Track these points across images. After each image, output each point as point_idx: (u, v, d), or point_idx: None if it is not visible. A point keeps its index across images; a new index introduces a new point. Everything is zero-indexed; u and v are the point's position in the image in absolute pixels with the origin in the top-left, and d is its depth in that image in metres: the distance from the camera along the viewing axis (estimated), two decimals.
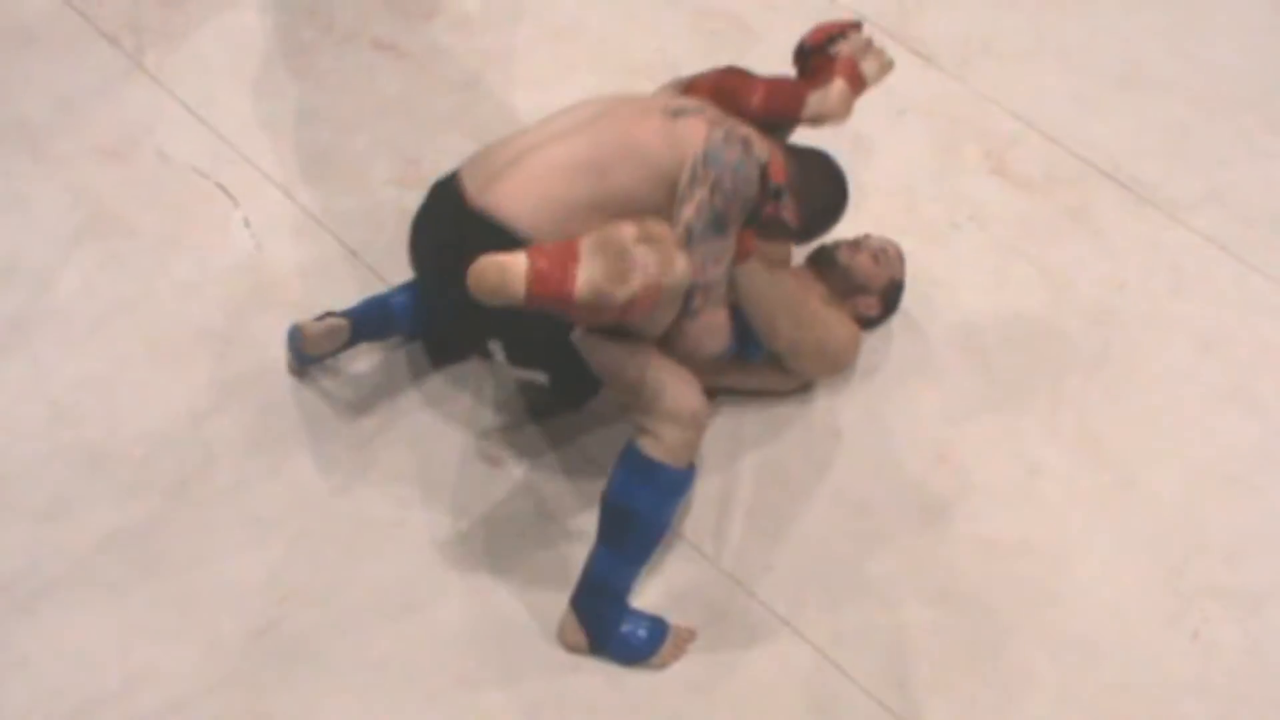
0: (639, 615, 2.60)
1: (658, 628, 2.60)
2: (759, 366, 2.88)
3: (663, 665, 2.59)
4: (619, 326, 2.43)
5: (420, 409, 2.90)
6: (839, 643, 2.62)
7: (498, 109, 3.46)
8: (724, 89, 2.73)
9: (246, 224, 3.19)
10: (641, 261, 2.31)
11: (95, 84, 3.46)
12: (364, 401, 2.90)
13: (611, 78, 3.43)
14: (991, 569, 2.74)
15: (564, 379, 2.55)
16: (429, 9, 3.71)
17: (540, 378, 2.55)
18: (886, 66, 2.80)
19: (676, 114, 2.58)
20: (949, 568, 2.74)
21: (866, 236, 3.03)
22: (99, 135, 3.34)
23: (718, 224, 2.47)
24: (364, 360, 2.96)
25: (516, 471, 2.83)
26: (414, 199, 3.20)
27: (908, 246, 3.15)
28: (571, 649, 2.60)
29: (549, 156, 2.50)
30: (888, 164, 3.41)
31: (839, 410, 2.96)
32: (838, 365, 2.91)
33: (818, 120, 2.70)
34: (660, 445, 2.50)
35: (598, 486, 2.69)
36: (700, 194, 2.45)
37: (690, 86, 2.78)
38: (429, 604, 2.63)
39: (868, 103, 3.46)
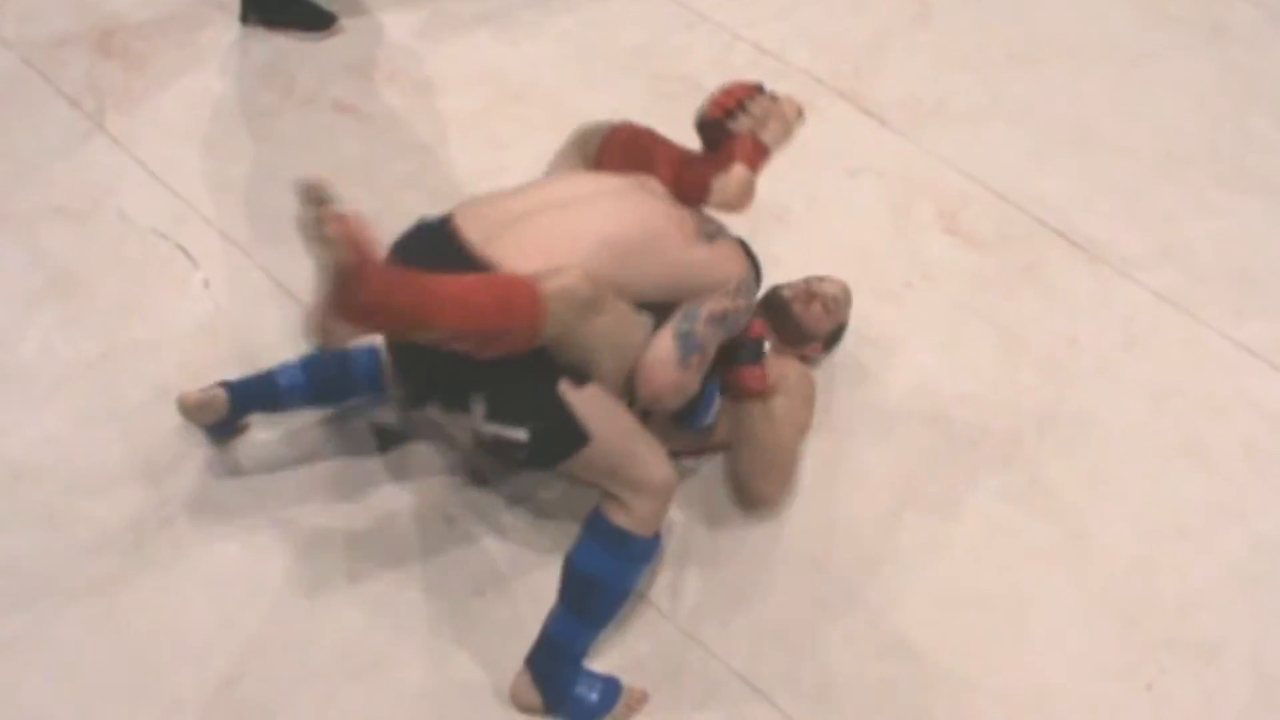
0: (593, 676, 2.60)
1: (611, 689, 2.60)
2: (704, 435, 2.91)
3: None
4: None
5: (378, 467, 2.91)
6: (795, 697, 2.63)
7: (457, 169, 3.50)
8: (634, 153, 2.75)
9: (206, 285, 3.21)
10: None
11: (56, 145, 3.49)
12: (321, 460, 2.91)
13: None
14: (947, 623, 2.76)
15: (545, 435, 2.49)
16: (389, 72, 3.75)
17: (519, 434, 2.50)
18: (791, 122, 2.73)
19: (711, 236, 2.67)
20: (906, 622, 2.75)
21: (819, 281, 3.05)
22: (59, 196, 3.37)
23: (730, 328, 2.64)
24: (318, 418, 2.97)
25: (475, 529, 2.83)
26: None
27: (861, 306, 3.19)
28: (524, 709, 2.59)
29: (568, 223, 2.50)
30: (841, 224, 3.46)
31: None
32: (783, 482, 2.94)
33: (721, 209, 2.68)
34: (629, 515, 2.52)
35: (556, 544, 2.73)
36: (741, 304, 2.65)
37: (605, 141, 2.78)
38: (388, 663, 2.63)
39: (821, 164, 3.56)
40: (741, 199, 2.65)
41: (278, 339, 3.10)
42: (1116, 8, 4.18)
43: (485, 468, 2.90)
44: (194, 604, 2.69)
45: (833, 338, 3.10)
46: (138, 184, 3.41)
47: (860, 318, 3.22)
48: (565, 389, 2.46)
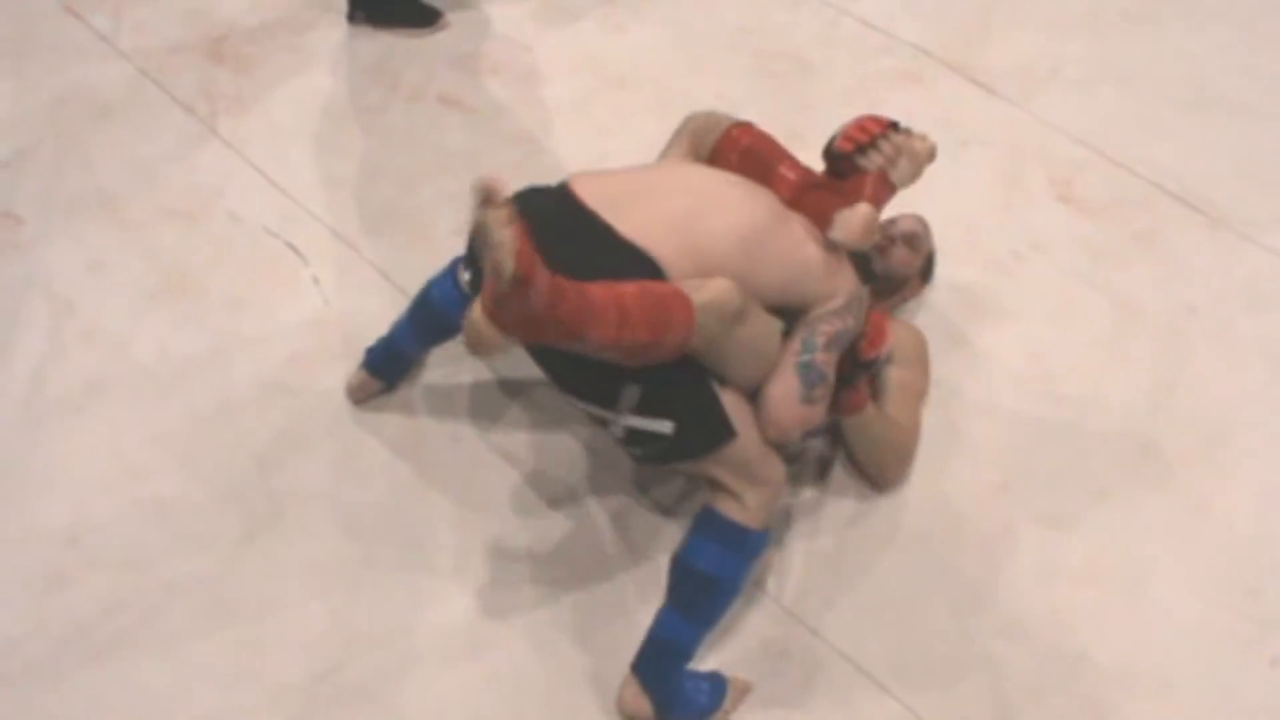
0: (698, 675, 2.57)
1: (718, 685, 2.56)
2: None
3: (725, 718, 2.56)
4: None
5: (481, 451, 2.93)
6: (900, 676, 2.58)
7: (561, 158, 3.50)
8: (753, 162, 2.69)
9: (315, 281, 3.26)
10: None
11: (170, 150, 3.57)
12: (428, 449, 2.93)
13: (675, 123, 3.45)
14: (1059, 600, 2.69)
15: (693, 428, 2.46)
16: (493, 64, 3.78)
17: (664, 427, 2.47)
18: (922, 160, 2.67)
19: (837, 248, 2.62)
20: (1015, 600, 2.69)
21: (890, 225, 2.99)
22: (173, 199, 3.44)
23: (841, 348, 2.57)
24: (427, 406, 3.00)
25: (580, 512, 2.84)
26: None
27: (970, 278, 3.14)
28: (630, 716, 2.55)
29: (700, 206, 2.46)
30: (950, 196, 3.37)
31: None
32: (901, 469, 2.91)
33: (840, 243, 2.60)
34: (743, 508, 2.48)
35: (666, 538, 2.73)
36: (852, 321, 2.57)
37: (723, 141, 2.73)
38: (491, 650, 2.64)
39: (930, 135, 3.46)
40: (863, 237, 2.58)
41: (385, 330, 3.13)
42: None
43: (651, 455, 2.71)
44: (299, 593, 2.73)
45: (926, 270, 3.06)
46: (248, 184, 3.48)
47: (970, 290, 3.17)
48: (716, 384, 2.45)
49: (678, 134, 2.84)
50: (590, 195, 2.45)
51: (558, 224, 2.36)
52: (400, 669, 2.61)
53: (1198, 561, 2.74)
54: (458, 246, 3.24)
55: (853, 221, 2.57)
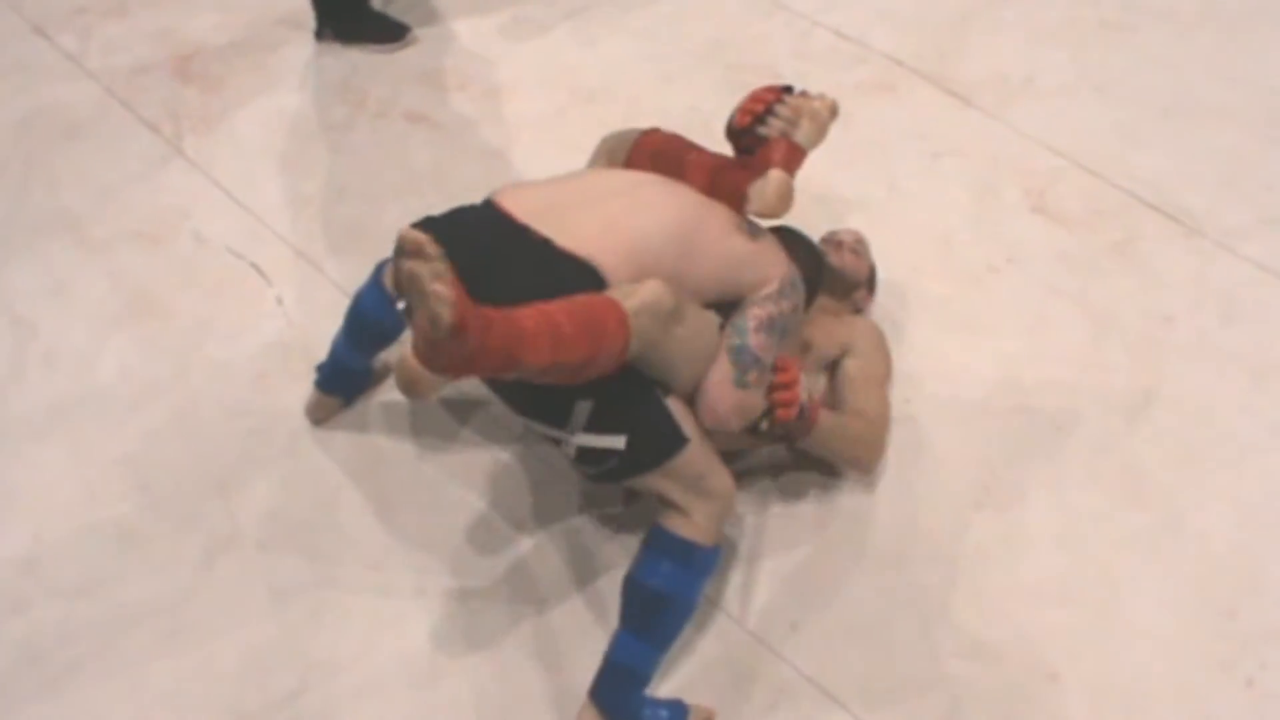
0: (657, 702, 2.51)
1: (678, 711, 2.51)
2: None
3: None
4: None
5: (444, 475, 2.89)
6: (868, 700, 2.53)
7: (529, 173, 3.46)
8: (664, 159, 2.68)
9: (279, 301, 3.22)
10: None
11: (135, 171, 3.54)
12: (387, 470, 2.89)
13: None
14: (1032, 619, 2.63)
15: (645, 440, 2.43)
16: (461, 79, 3.74)
17: (616, 443, 2.44)
18: (825, 121, 2.63)
19: (753, 232, 2.60)
20: (986, 619, 2.63)
21: (832, 233, 2.99)
22: (137, 220, 3.42)
23: (781, 333, 2.54)
24: (389, 426, 2.97)
25: (542, 539, 2.79)
26: None
27: (945, 291, 3.10)
28: None
29: (626, 209, 2.45)
30: (924, 209, 3.35)
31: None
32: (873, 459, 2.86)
33: (760, 215, 2.59)
34: (692, 524, 2.44)
35: (625, 554, 2.67)
36: (786, 305, 2.54)
37: (634, 147, 2.74)
38: (451, 675, 2.59)
39: (903, 148, 3.45)
40: (780, 204, 2.56)
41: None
42: None
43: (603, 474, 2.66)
44: (259, 617, 2.68)
45: (871, 282, 3.04)
46: (213, 205, 3.45)
47: (944, 303, 3.12)
48: (662, 394, 2.42)
49: (593, 157, 2.85)
50: (520, 209, 2.42)
51: (493, 244, 2.32)
52: (359, 694, 2.57)
53: (1173, 579, 2.69)
54: None
55: (766, 190, 2.55)
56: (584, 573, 2.73)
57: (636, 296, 2.26)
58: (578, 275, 2.30)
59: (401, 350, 2.12)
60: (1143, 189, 3.37)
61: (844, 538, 2.76)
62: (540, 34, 3.90)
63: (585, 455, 2.43)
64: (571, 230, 2.37)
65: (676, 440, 2.42)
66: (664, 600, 2.43)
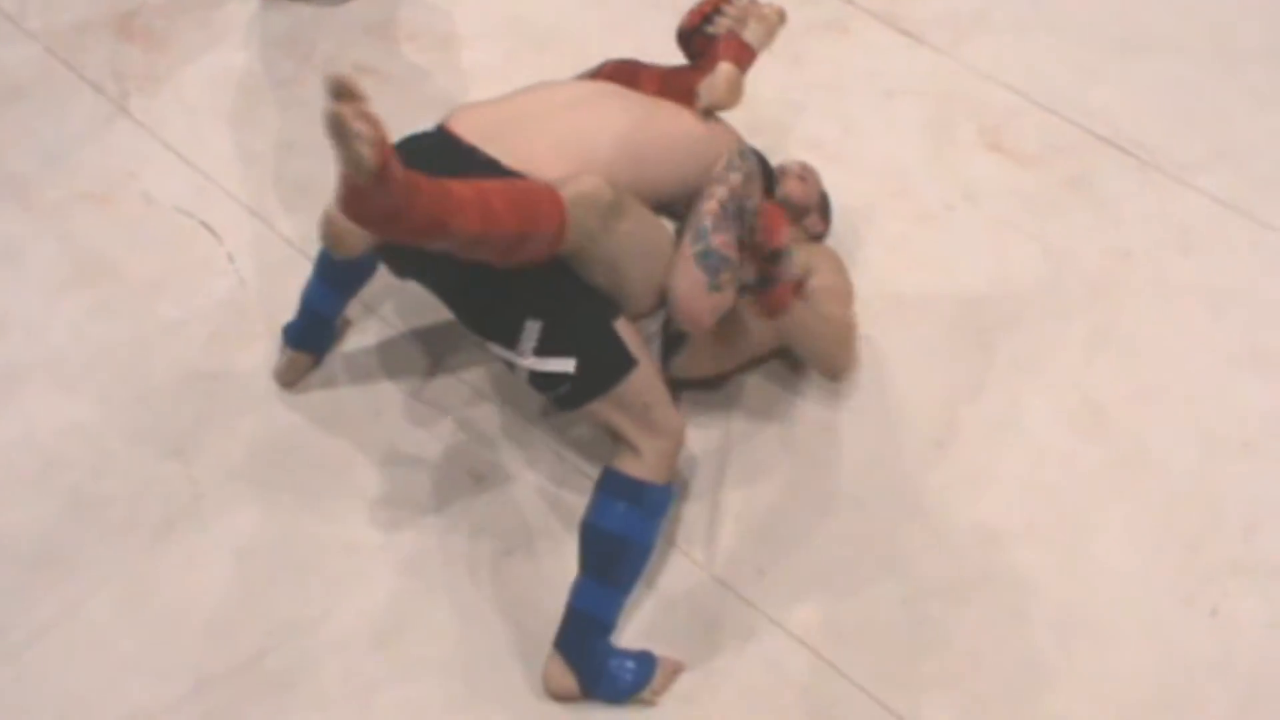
0: (624, 653, 2.50)
1: (645, 662, 2.49)
2: (737, 346, 2.81)
3: (653, 698, 2.49)
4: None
5: (403, 427, 2.87)
6: (837, 643, 2.53)
7: None
8: (619, 78, 2.70)
9: (231, 259, 3.17)
10: None
11: (80, 132, 3.47)
12: (346, 424, 2.87)
13: None
14: (996, 557, 2.64)
15: (595, 363, 2.43)
16: (409, 31, 3.69)
17: (566, 366, 2.42)
18: (773, 23, 2.70)
19: (706, 115, 2.61)
20: (951, 559, 2.64)
21: (778, 166, 2.96)
22: (84, 182, 3.35)
23: (740, 215, 2.47)
24: (345, 381, 2.94)
25: (503, 487, 2.77)
26: None
27: (901, 230, 3.09)
28: (560, 696, 2.49)
29: (576, 121, 2.47)
30: (879, 148, 3.33)
31: (830, 403, 2.87)
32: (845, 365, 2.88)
33: (712, 109, 2.62)
34: (643, 463, 2.44)
35: (585, 500, 2.66)
36: (735, 179, 2.48)
37: (591, 75, 2.78)
38: (413, 630, 2.58)
39: (856, 88, 3.42)
40: (730, 96, 2.62)
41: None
42: None
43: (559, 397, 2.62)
44: (222, 579, 2.66)
45: (824, 209, 3.02)
46: (161, 164, 3.38)
47: (901, 242, 3.11)
48: (614, 320, 2.43)
49: None
50: (469, 130, 2.44)
51: (440, 165, 2.28)
52: (323, 654, 2.55)
53: (1136, 513, 2.70)
54: None
55: (716, 81, 2.61)
56: (550, 523, 2.72)
57: (574, 185, 2.28)
58: None
59: (330, 202, 2.14)
60: (1097, 124, 3.36)
61: (807, 480, 2.76)
62: None
63: (537, 379, 2.44)
64: (519, 149, 2.39)
65: (625, 363, 2.42)
66: (620, 543, 2.44)
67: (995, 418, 2.84)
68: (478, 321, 2.48)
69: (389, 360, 2.98)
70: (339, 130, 1.95)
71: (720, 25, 2.66)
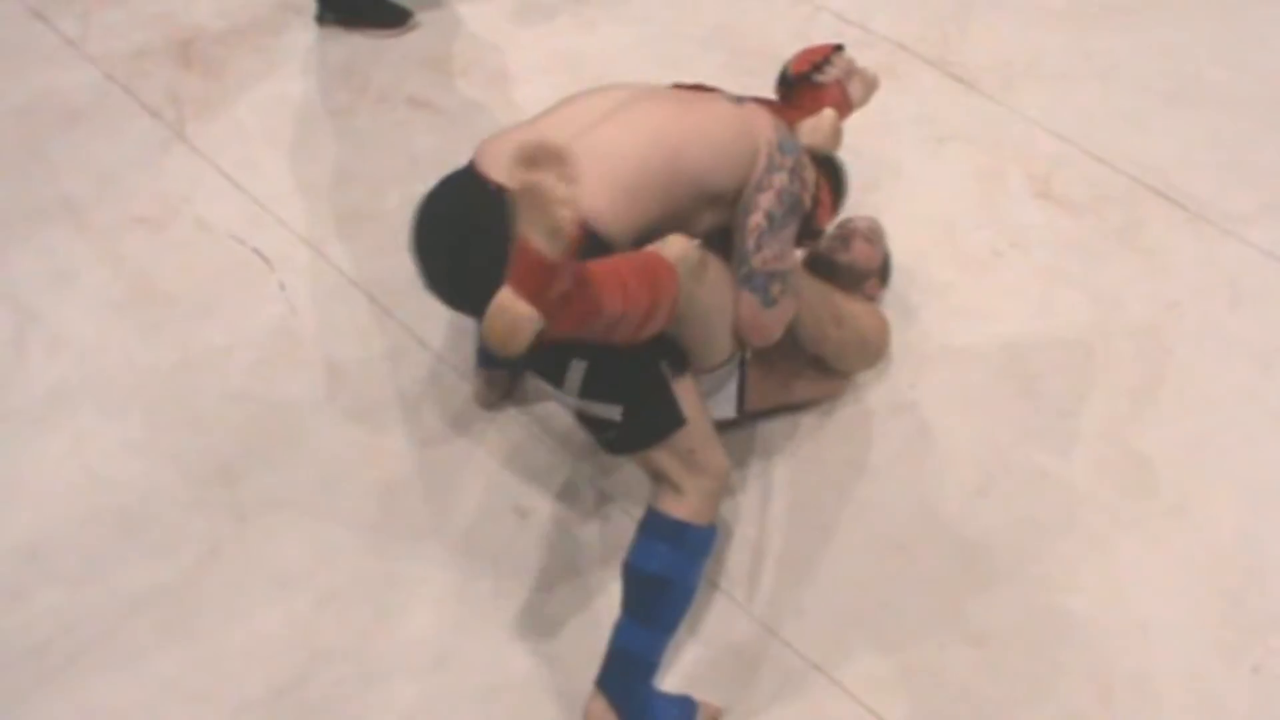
0: (667, 698, 2.49)
1: (687, 706, 2.49)
2: (803, 376, 2.87)
3: None
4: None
5: (449, 460, 2.88)
6: (875, 688, 2.52)
7: None
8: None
9: (282, 287, 3.21)
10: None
11: (137, 156, 3.53)
12: (392, 455, 2.88)
13: None
14: (1037, 605, 2.63)
15: (642, 415, 2.40)
16: (463, 65, 3.73)
17: (612, 413, 2.41)
18: (872, 85, 2.80)
19: (739, 100, 2.60)
20: (992, 606, 2.63)
21: (846, 223, 2.97)
22: (139, 207, 3.40)
23: (795, 208, 2.47)
24: (392, 412, 2.95)
25: (547, 523, 2.78)
26: None
27: (949, 277, 3.09)
28: None
29: (608, 138, 2.38)
30: (928, 194, 3.34)
31: (875, 446, 2.87)
32: (879, 354, 2.96)
33: (812, 150, 2.65)
34: (686, 503, 2.42)
35: (626, 536, 2.66)
36: (780, 179, 2.46)
37: None
38: (455, 661, 2.59)
39: (907, 133, 3.44)
40: (833, 140, 2.69)
41: (353, 336, 3.11)
42: None
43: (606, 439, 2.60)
44: (263, 606, 2.68)
45: (884, 271, 3.03)
46: (215, 190, 3.43)
47: (949, 289, 3.12)
48: (666, 369, 2.39)
49: None
50: (495, 166, 2.33)
51: (471, 211, 2.28)
52: (364, 683, 2.56)
53: (1179, 566, 2.68)
54: None
55: (822, 125, 2.69)
56: (591, 559, 2.73)
57: (670, 249, 2.26)
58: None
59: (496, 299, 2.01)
60: (1147, 174, 3.36)
61: (851, 523, 2.76)
62: (543, 20, 3.88)
63: (585, 419, 2.43)
64: None
65: (674, 417, 2.39)
66: (662, 584, 2.42)
67: (1040, 466, 2.83)
68: (527, 355, 2.46)
69: (437, 393, 3.00)
70: (538, 197, 1.90)
71: (829, 75, 2.73)
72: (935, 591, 2.66)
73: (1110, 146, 3.42)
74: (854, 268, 2.92)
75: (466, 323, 2.96)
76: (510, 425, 2.94)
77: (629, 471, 2.83)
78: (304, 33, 3.84)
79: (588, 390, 2.37)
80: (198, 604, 2.68)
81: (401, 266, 3.18)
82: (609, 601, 2.60)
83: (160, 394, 3.02)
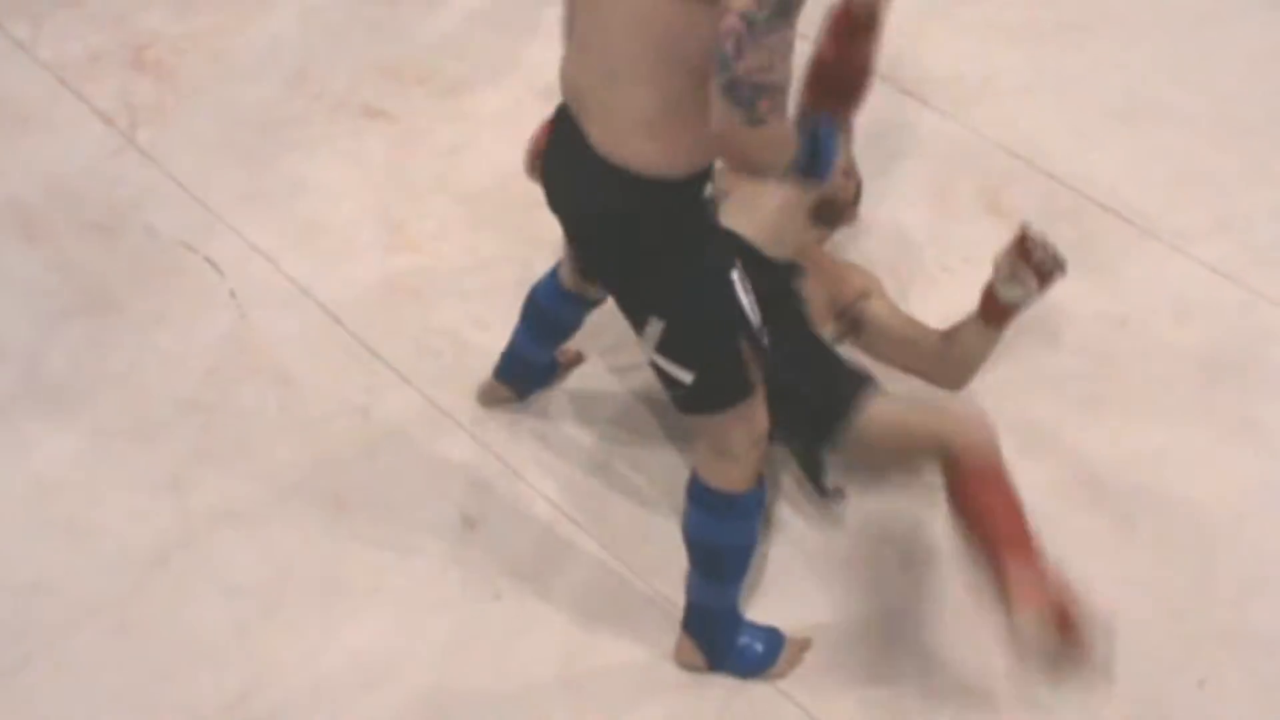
0: (755, 628, 2.59)
1: (774, 639, 2.58)
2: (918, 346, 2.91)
3: (780, 676, 2.57)
4: None
5: (398, 470, 2.88)
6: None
7: (486, 169, 3.45)
8: None
9: (232, 295, 3.19)
10: None
11: (87, 162, 3.50)
12: (342, 465, 2.88)
13: None
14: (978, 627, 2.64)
15: (712, 381, 2.34)
16: (420, 74, 3.72)
17: (683, 375, 2.32)
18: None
19: None
20: (938, 620, 2.65)
21: None
22: (90, 213, 3.37)
23: (783, 7, 1.87)
24: (342, 421, 2.95)
25: (494, 532, 2.78)
26: (399, 263, 3.24)
27: (896, 290, 3.09)
28: (687, 667, 2.58)
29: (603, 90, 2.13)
30: (879, 208, 3.35)
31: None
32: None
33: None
34: (737, 469, 2.39)
35: (572, 545, 2.69)
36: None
37: None
38: (401, 672, 2.58)
39: (858, 148, 3.44)
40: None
41: (304, 345, 3.10)
42: None
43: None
44: (212, 616, 2.66)
45: (856, 195, 3.12)
46: (166, 197, 3.40)
47: (899, 303, 3.12)
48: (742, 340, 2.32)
49: None
50: (583, 117, 2.18)
51: (583, 169, 2.17)
52: (312, 694, 2.55)
53: (1126, 582, 2.69)
54: (377, 260, 3.22)
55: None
56: (538, 568, 2.73)
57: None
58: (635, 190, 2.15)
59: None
60: (1097, 191, 3.39)
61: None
62: (499, 29, 3.86)
63: (658, 372, 2.37)
64: (615, 142, 2.12)
65: (743, 389, 2.34)
66: (723, 550, 2.49)
67: None
68: (616, 288, 2.39)
69: (386, 402, 2.99)
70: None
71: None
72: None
73: (1061, 162, 3.44)
74: (831, 202, 2.95)
75: (429, 338, 3.00)
76: (456, 432, 2.94)
77: (577, 478, 2.86)
78: (258, 39, 3.82)
79: (663, 348, 2.31)
80: (145, 614, 2.67)
81: (355, 275, 3.20)
82: (556, 609, 2.63)
83: (109, 402, 3.00)
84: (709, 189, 2.22)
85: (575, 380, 3.05)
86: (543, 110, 3.52)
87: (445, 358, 3.07)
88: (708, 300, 2.28)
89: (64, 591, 2.70)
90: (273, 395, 2.99)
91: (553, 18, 3.76)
